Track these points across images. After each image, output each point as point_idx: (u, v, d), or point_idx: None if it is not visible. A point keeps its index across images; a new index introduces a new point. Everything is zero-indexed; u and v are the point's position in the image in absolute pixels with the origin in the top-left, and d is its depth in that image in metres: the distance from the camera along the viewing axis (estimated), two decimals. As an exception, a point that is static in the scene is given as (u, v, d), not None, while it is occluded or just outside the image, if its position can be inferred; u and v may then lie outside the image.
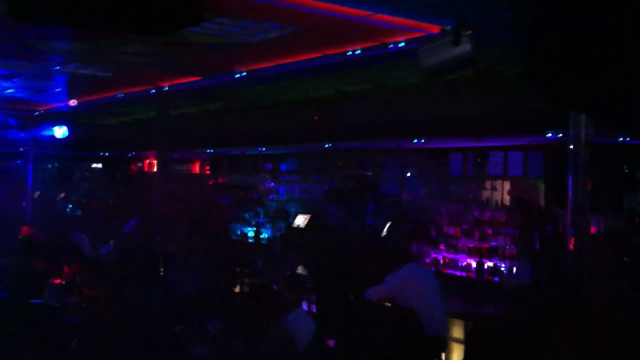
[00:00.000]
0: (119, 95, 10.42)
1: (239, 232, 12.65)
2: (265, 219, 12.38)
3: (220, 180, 13.89)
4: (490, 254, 8.68)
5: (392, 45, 6.24)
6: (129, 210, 12.10)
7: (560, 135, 7.15)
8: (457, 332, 7.22)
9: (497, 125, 8.11)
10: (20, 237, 9.98)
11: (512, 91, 6.64)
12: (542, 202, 8.65)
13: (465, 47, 5.17)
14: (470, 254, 8.91)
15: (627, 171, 8.41)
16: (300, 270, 9.04)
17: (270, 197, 12.77)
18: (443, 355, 6.95)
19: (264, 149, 12.24)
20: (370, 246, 8.74)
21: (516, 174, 8.94)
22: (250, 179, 13.15)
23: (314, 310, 7.95)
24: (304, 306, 7.49)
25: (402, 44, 6.14)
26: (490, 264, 8.60)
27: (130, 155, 15.97)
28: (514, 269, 8.17)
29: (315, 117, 10.12)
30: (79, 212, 13.48)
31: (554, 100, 3.83)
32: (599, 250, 5.75)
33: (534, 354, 4.10)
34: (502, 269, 8.43)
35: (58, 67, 8.41)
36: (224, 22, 5.78)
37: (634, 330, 4.10)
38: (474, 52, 5.17)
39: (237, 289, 9.75)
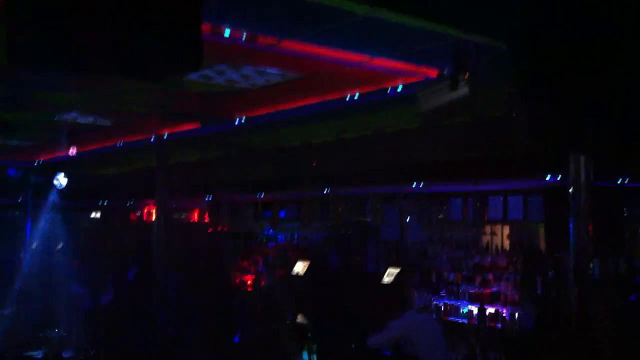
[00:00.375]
0: (119, 144, 10.43)
1: (238, 280, 12.55)
2: (265, 267, 12.29)
3: (219, 228, 13.84)
4: (492, 299, 8.58)
5: (390, 90, 6.28)
6: (129, 259, 12.03)
7: (559, 178, 7.15)
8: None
9: (496, 169, 8.11)
10: (18, 289, 9.89)
11: (510, 135, 6.66)
12: (543, 246, 8.60)
13: (463, 91, 5.20)
14: (472, 300, 8.81)
15: (626, 214, 8.39)
16: (300, 318, 8.92)
17: (270, 244, 12.71)
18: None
19: (263, 195, 12.22)
20: (371, 293, 8.65)
21: (516, 218, 8.91)
22: (249, 226, 13.11)
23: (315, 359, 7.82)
24: (305, 356, 7.37)
25: (400, 89, 6.18)
26: (492, 309, 8.49)
27: (129, 204, 15.94)
28: (517, 315, 8.07)
29: (315, 163, 10.13)
30: (77, 263, 13.36)
31: (553, 143, 3.85)
32: (602, 294, 5.68)
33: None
34: (504, 314, 8.31)
35: (57, 117, 8.43)
36: (224, 69, 5.82)
37: None
38: (472, 96, 5.20)
39: (238, 337, 9.61)
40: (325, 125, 8.53)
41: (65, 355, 8.03)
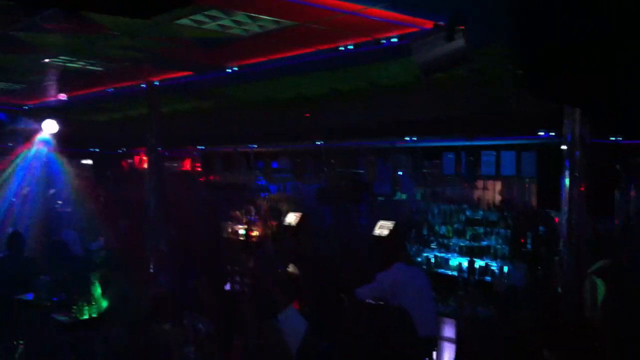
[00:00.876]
0: (110, 90, 10.31)
1: (230, 230, 12.59)
2: (257, 218, 12.31)
3: (212, 178, 13.82)
4: (482, 253, 8.65)
5: (384, 41, 6.18)
6: (120, 207, 12.02)
7: (553, 134, 7.13)
8: (449, 331, 7.19)
9: (489, 125, 8.08)
10: (9, 234, 9.89)
11: (505, 90, 6.61)
12: (535, 202, 8.62)
13: (459, 42, 5.13)
14: (462, 253, 8.89)
15: (620, 172, 8.38)
16: (291, 269, 8.97)
17: (262, 195, 12.72)
18: (434, 354, 6.92)
19: (255, 146, 12.17)
20: (362, 245, 8.70)
21: (508, 174, 8.91)
22: (242, 176, 13.09)
23: (306, 309, 7.90)
24: (296, 305, 7.44)
25: (395, 40, 6.08)
26: (482, 263, 8.57)
27: (120, 151, 15.87)
28: (506, 269, 8.14)
29: (307, 115, 10.06)
30: (69, 209, 13.35)
31: (549, 98, 3.81)
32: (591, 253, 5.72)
33: (525, 355, 4.06)
34: (494, 268, 8.39)
35: (47, 60, 8.31)
36: (217, 15, 5.70)
37: (623, 331, 4.06)
38: (467, 48, 5.12)
39: (230, 288, 9.69)
40: (318, 76, 8.44)
41: (55, 299, 8.08)
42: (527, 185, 8.98)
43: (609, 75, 2.76)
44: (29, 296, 8.42)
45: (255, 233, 12.06)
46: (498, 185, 9.45)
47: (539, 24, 2.74)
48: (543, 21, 2.71)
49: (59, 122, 11.93)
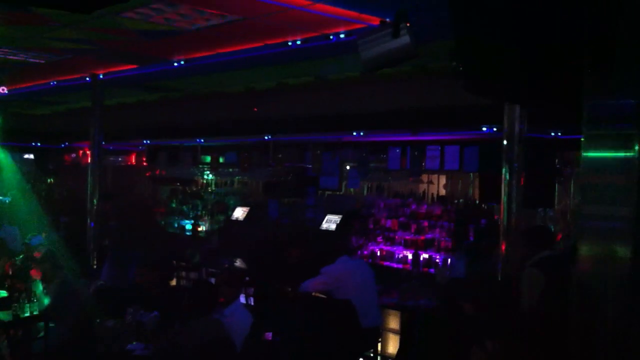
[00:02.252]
0: (52, 83, 10.10)
1: (176, 225, 12.48)
2: (204, 212, 12.24)
3: (158, 172, 13.65)
4: (426, 246, 8.81)
5: (332, 37, 6.23)
6: (62, 202, 11.79)
7: (495, 129, 7.31)
8: (393, 323, 7.32)
9: (434, 119, 8.23)
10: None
11: (448, 86, 6.74)
12: (477, 196, 8.83)
13: (404, 39, 5.22)
14: (407, 246, 9.03)
15: (558, 166, 8.65)
16: (238, 263, 8.97)
17: (209, 189, 12.65)
18: (379, 346, 7.03)
19: (202, 141, 12.09)
20: (308, 239, 8.76)
21: (452, 168, 9.08)
22: (189, 171, 12.98)
23: (252, 304, 7.92)
24: (242, 299, 7.45)
25: (343, 35, 6.15)
26: (426, 255, 8.73)
27: (63, 145, 15.52)
28: (449, 261, 8.32)
29: (255, 109, 10.06)
30: (8, 204, 13.01)
31: (486, 94, 3.92)
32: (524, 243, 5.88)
33: (466, 345, 4.18)
34: (438, 261, 8.56)
35: (-14, 53, 8.09)
36: (162, 8, 5.65)
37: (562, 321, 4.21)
38: (413, 45, 5.22)
39: (174, 283, 9.62)
40: (266, 71, 8.45)
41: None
42: (470, 180, 9.18)
43: (535, 72, 2.87)
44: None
45: (201, 228, 11.99)
46: (442, 180, 9.62)
47: (474, 19, 2.82)
48: (478, 17, 2.80)
49: (-1, 115, 11.62)
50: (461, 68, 2.96)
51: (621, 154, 2.72)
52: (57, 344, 5.99)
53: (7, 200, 12.79)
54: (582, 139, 2.80)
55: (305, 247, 7.67)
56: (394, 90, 8.53)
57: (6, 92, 10.18)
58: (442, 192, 9.52)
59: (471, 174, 9.05)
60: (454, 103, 7.31)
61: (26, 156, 15.81)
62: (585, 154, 2.82)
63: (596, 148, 2.79)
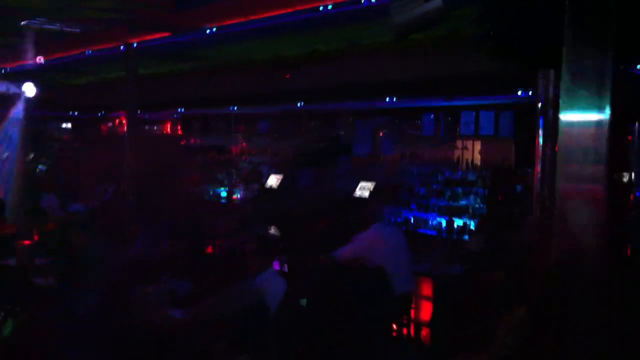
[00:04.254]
0: (87, 52, 10.20)
1: (211, 193, 12.62)
2: (238, 180, 12.34)
3: (192, 141, 13.78)
4: (460, 213, 8.76)
5: (364, 1, 6.16)
6: (100, 170, 11.98)
7: (531, 94, 7.18)
8: (426, 289, 7.32)
9: (468, 84, 8.11)
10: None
11: (483, 50, 6.61)
12: (512, 162, 8.72)
13: (437, 2, 5.12)
14: (441, 213, 8.99)
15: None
16: (272, 231, 9.04)
17: (243, 158, 12.73)
18: (412, 312, 7.06)
19: (235, 109, 12.13)
20: (340, 207, 8.77)
21: (487, 133, 8.98)
22: (223, 139, 13.07)
23: (286, 271, 8.00)
24: (276, 266, 7.53)
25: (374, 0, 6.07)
26: (460, 222, 8.69)
27: (100, 115, 15.73)
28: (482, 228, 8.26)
29: (287, 76, 10.02)
30: (48, 173, 13.30)
31: (517, 59, 3.84)
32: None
33: (499, 311, 4.16)
34: (472, 227, 8.52)
35: (24, 22, 8.20)
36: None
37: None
38: (444, 8, 5.12)
39: (209, 251, 9.76)
40: (298, 37, 8.40)
41: (37, 262, 8.11)
42: (506, 145, 9.06)
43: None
44: (11, 261, 8.44)
45: (236, 196, 12.11)
46: (477, 145, 9.51)
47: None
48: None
49: (37, 85, 11.80)
50: (491, 32, 2.90)
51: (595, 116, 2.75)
52: (87, 309, 6.13)
53: (44, 169, 13.07)
54: (560, 100, 2.84)
55: (338, 215, 7.69)
56: (427, 56, 8.40)
57: (43, 61, 10.33)
58: (477, 158, 9.42)
59: (506, 139, 8.92)
60: (489, 68, 7.17)
61: (64, 125, 16.09)
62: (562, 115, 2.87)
63: (572, 109, 2.83)
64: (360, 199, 9.32)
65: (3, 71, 12.49)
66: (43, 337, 5.34)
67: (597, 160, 2.76)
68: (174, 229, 7.48)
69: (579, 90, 2.78)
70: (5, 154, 13.03)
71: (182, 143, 14.05)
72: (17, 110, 12.11)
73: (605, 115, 2.73)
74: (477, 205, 8.68)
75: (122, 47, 9.53)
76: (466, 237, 8.47)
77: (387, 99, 9.26)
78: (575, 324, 2.83)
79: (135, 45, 9.37)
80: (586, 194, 2.78)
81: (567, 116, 2.85)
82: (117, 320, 4.98)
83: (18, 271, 8.41)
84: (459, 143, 9.57)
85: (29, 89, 11.56)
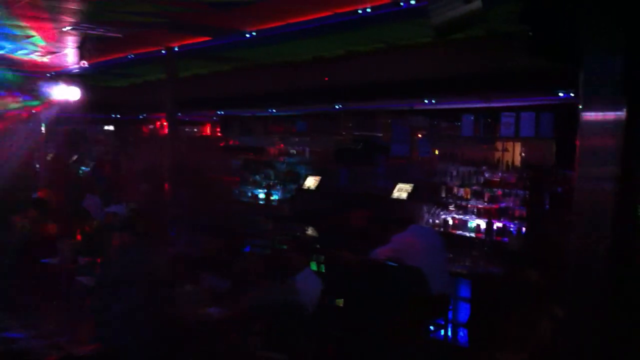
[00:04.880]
0: (129, 56, 10.39)
1: (249, 194, 12.72)
2: (276, 181, 12.42)
3: (231, 142, 13.92)
4: (500, 215, 8.67)
5: (403, 3, 6.14)
6: (141, 172, 12.18)
7: (572, 95, 7.07)
8: (464, 291, 7.27)
9: (508, 85, 8.02)
10: (34, 199, 10.09)
11: (523, 50, 6.54)
12: (553, 163, 8.59)
13: (476, 4, 5.09)
14: (480, 215, 8.91)
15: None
16: (309, 231, 9.08)
17: (281, 159, 12.80)
18: (449, 314, 7.02)
19: (274, 110, 12.21)
20: (378, 208, 8.75)
21: (527, 135, 8.86)
22: (261, 141, 13.17)
23: (322, 271, 8.03)
24: (313, 267, 7.56)
25: (413, 2, 6.04)
26: (500, 224, 8.60)
27: (141, 117, 16.01)
28: (523, 230, 8.17)
29: (326, 78, 10.05)
30: (91, 174, 13.57)
31: (556, 58, 3.80)
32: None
33: (538, 313, 4.12)
34: (511, 229, 8.42)
35: (68, 28, 8.39)
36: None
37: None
38: (484, 9, 5.09)
39: (247, 250, 9.84)
40: (336, 38, 8.41)
41: (80, 261, 8.29)
42: (547, 146, 8.92)
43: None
44: (54, 260, 8.64)
45: (274, 197, 12.19)
46: (517, 147, 9.39)
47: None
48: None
49: (81, 89, 12.08)
50: (530, 32, 2.89)
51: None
52: (129, 307, 6.24)
53: (88, 169, 13.34)
54: (580, 101, 2.83)
55: (375, 216, 7.68)
56: (466, 56, 8.32)
57: (87, 65, 10.57)
58: (517, 159, 9.31)
59: (547, 140, 8.79)
60: (529, 67, 7.10)
61: (106, 128, 16.41)
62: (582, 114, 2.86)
63: (592, 110, 2.82)
64: (399, 200, 9.30)
65: (49, 75, 12.81)
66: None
67: (613, 159, 2.74)
68: (212, 229, 7.57)
69: (597, 89, 2.76)
70: (50, 155, 13.35)
71: (221, 144, 14.20)
72: (62, 113, 12.42)
73: (622, 113, 2.71)
74: (517, 207, 8.58)
75: (163, 51, 9.69)
76: (505, 239, 8.39)
77: (426, 101, 9.22)
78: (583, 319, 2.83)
79: (176, 49, 9.53)
80: (601, 192, 2.77)
81: (587, 116, 2.83)
82: (156, 316, 5.07)
83: (61, 270, 8.62)
84: (498, 144, 9.46)
85: (73, 93, 11.85)
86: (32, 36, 9.03)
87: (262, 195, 12.37)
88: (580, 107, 2.86)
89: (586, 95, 2.84)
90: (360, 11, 6.60)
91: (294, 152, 12.67)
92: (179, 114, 10.26)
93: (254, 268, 5.93)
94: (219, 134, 14.59)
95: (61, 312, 8.37)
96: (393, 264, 6.24)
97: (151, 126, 16.36)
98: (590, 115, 2.84)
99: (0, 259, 8.99)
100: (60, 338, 7.47)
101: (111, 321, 5.52)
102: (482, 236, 8.68)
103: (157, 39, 9.05)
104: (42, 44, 9.65)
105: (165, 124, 13.59)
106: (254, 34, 8.07)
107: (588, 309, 2.86)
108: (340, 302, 6.25)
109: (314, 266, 7.54)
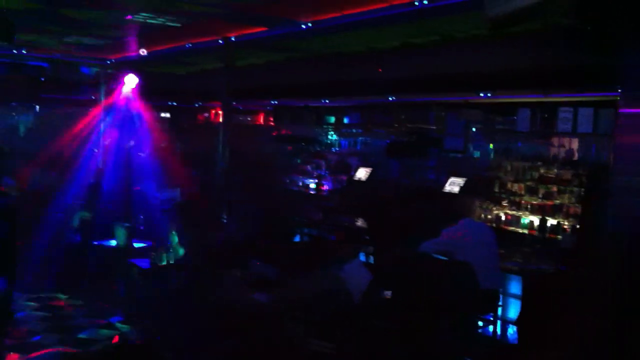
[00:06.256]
0: (187, 46, 10.57)
1: (300, 184, 12.81)
2: (327, 171, 12.46)
3: (284, 132, 14.02)
4: (554, 212, 8.51)
5: (460, -5, 6.10)
6: (195, 159, 12.40)
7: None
8: (515, 287, 7.19)
9: (567, 80, 7.85)
10: (90, 184, 10.39)
11: (582, 45, 6.40)
12: (611, 160, 8.37)
13: (534, -5, 5.00)
14: (534, 211, 8.76)
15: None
16: (359, 222, 9.10)
17: (333, 149, 12.84)
18: (499, 310, 6.95)
19: (327, 101, 12.24)
20: (430, 201, 8.71)
21: (585, 131, 8.66)
22: (313, 131, 13.22)
23: (371, 262, 8.05)
24: (362, 257, 7.59)
25: (470, -8, 5.98)
26: (554, 222, 8.45)
27: (196, 105, 16.26)
28: (578, 228, 8.00)
29: (380, 70, 10.02)
30: (148, 160, 13.85)
31: (612, 54, 3.72)
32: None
33: (588, 311, 4.05)
34: (566, 227, 8.26)
35: (129, 17, 8.59)
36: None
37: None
38: (542, 2, 5.00)
39: (296, 238, 9.94)
40: (391, 30, 8.38)
41: (135, 245, 8.52)
42: (604, 143, 8.70)
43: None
44: (111, 243, 8.90)
45: (324, 187, 12.24)
46: (575, 143, 9.18)
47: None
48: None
49: (139, 76, 12.37)
50: (589, 26, 2.84)
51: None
52: (178, 288, 6.41)
53: (143, 155, 13.62)
54: (618, 98, 2.77)
55: (426, 208, 7.66)
56: (524, 49, 8.18)
57: (146, 53, 10.80)
58: (575, 155, 9.10)
59: (605, 137, 8.57)
60: (589, 62, 6.94)
61: (163, 115, 16.71)
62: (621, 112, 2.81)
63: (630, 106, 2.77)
64: (450, 193, 9.23)
65: (109, 62, 13.14)
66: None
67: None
68: (263, 216, 7.68)
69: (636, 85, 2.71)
70: (107, 141, 13.69)
71: (274, 134, 14.31)
72: (120, 99, 12.72)
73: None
74: (572, 204, 8.41)
75: (220, 41, 9.82)
76: (559, 236, 8.23)
77: (482, 94, 9.10)
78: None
79: (233, 39, 9.65)
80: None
81: (624, 115, 2.78)
82: (204, 300, 5.18)
83: (118, 253, 8.88)
84: (555, 140, 9.27)
85: (132, 80, 12.13)
86: (95, 24, 9.27)
87: (312, 185, 12.44)
88: (619, 102, 2.83)
89: (625, 91, 2.80)
90: (417, 3, 6.57)
91: (346, 142, 12.68)
92: (234, 103, 10.37)
93: (302, 256, 5.99)
94: (272, 123, 14.71)
95: (116, 293, 8.64)
96: (442, 257, 6.22)
97: (206, 114, 16.60)
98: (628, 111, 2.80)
99: (60, 240, 9.32)
100: (114, 318, 7.73)
101: (161, 304, 5.67)
102: (535, 233, 8.54)
103: (214, 28, 9.18)
104: (104, 31, 9.90)
105: (219, 112, 13.79)
106: (309, 25, 8.10)
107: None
108: (388, 294, 6.26)
109: (362, 257, 7.57)
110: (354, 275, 5.51)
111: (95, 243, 9.08)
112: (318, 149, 13.17)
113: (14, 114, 14.04)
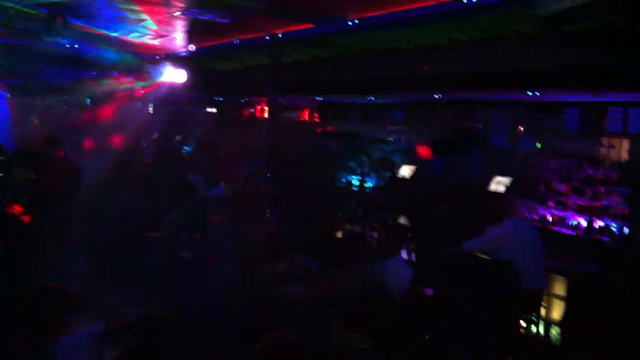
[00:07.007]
0: (235, 41, 10.69)
1: (344, 180, 12.84)
2: (370, 168, 12.47)
3: (328, 129, 14.06)
4: (601, 213, 8.36)
5: (510, -9, 6.03)
6: (240, 154, 12.55)
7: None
8: (559, 288, 7.10)
9: (619, 80, 7.69)
10: (138, 176, 10.59)
11: (635, 44, 6.28)
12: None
13: (583, -5, 4.94)
14: (580, 212, 8.62)
15: None
16: (402, 220, 9.08)
17: (377, 146, 12.84)
18: (542, 310, 6.87)
19: (372, 98, 12.23)
20: (474, 199, 8.65)
21: (636, 132, 8.48)
22: (357, 128, 13.24)
23: (413, 259, 8.04)
24: (404, 255, 7.58)
25: (521, -10, 5.92)
26: (601, 223, 8.30)
27: (242, 100, 16.42)
28: (626, 230, 7.85)
29: (426, 67, 9.96)
30: (194, 154, 14.06)
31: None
32: None
33: (633, 313, 4.00)
34: (613, 229, 8.11)
35: (179, 13, 8.73)
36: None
37: None
38: (593, 1, 4.94)
39: (339, 234, 9.97)
40: (438, 27, 8.33)
41: (179, 237, 8.65)
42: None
43: None
44: (156, 234, 9.06)
45: (368, 184, 12.24)
46: (624, 143, 8.99)
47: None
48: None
49: (187, 71, 12.56)
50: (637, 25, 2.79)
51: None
52: (222, 280, 6.49)
53: (190, 149, 13.84)
54: None
55: (471, 207, 7.62)
56: (575, 49, 8.04)
57: (194, 49, 10.96)
58: (624, 156, 8.92)
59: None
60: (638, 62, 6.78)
61: (209, 109, 16.94)
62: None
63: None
64: (495, 192, 9.15)
65: (158, 57, 13.37)
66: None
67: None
68: (307, 211, 7.74)
69: None
70: (155, 135, 13.96)
71: (319, 130, 14.38)
72: (168, 94, 12.95)
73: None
74: (620, 206, 8.24)
75: (267, 37, 9.91)
76: (606, 238, 8.09)
77: (529, 93, 8.98)
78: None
79: (279, 35, 9.72)
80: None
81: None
82: (246, 292, 5.26)
83: (163, 245, 9.03)
84: (604, 140, 9.10)
85: (180, 75, 12.33)
86: (145, 20, 9.45)
87: (356, 182, 12.46)
88: None
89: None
90: (465, 0, 6.52)
91: (390, 140, 12.66)
92: (279, 99, 10.46)
93: (344, 252, 6.03)
94: (317, 120, 14.77)
95: (160, 284, 8.79)
96: (485, 257, 6.19)
97: (251, 109, 16.75)
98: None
99: (107, 231, 9.52)
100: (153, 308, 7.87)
101: (204, 296, 5.77)
102: (582, 234, 8.40)
103: (261, 25, 9.26)
104: (154, 27, 10.08)
105: (265, 107, 13.92)
106: (356, 21, 8.12)
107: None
108: (430, 291, 6.26)
109: (404, 254, 7.57)
110: (395, 272, 5.52)
111: (145, 234, 9.24)
112: (362, 145, 13.18)
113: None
